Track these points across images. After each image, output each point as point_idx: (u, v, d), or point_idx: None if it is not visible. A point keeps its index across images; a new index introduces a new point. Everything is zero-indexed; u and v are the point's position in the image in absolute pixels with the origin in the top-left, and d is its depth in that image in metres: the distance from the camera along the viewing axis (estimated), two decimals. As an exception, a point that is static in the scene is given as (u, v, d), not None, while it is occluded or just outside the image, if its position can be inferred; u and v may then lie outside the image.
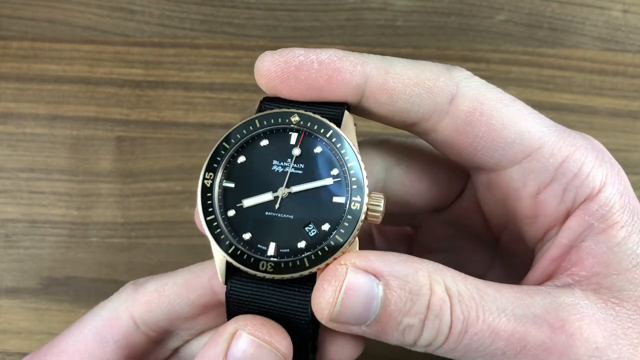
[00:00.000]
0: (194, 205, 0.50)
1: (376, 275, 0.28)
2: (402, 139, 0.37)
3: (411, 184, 0.36)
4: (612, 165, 0.31)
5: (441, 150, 0.33)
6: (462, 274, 0.29)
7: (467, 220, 0.38)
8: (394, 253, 0.29)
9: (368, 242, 0.43)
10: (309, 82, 0.31)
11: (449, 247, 0.41)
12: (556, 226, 0.32)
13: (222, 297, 0.32)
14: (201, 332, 0.35)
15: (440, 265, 0.29)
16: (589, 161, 0.30)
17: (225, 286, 0.31)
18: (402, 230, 0.44)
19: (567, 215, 0.31)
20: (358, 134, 0.32)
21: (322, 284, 0.29)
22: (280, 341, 0.30)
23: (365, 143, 0.36)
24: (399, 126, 0.33)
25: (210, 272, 0.33)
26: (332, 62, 0.30)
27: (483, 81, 0.32)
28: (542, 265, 0.32)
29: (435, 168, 0.37)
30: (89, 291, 0.51)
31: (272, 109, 0.32)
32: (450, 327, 0.28)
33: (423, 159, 0.36)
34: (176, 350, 0.36)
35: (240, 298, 0.31)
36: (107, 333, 0.33)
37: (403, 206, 0.37)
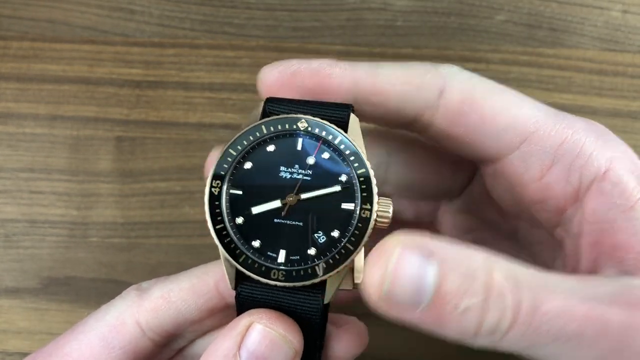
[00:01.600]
0: (194, 205, 0.51)
1: (428, 254, 0.26)
2: (402, 130, 0.37)
3: (415, 167, 0.37)
4: (618, 144, 0.31)
5: (443, 146, 0.34)
6: (520, 262, 0.27)
7: (482, 208, 0.38)
8: (446, 238, 0.28)
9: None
10: (303, 88, 0.32)
11: (471, 240, 0.40)
12: (567, 208, 0.32)
13: (229, 300, 0.32)
14: (207, 332, 0.35)
15: (497, 255, 0.27)
16: (590, 141, 0.30)
17: (233, 290, 0.31)
18: (423, 224, 0.43)
19: (576, 196, 0.31)
20: (363, 132, 0.32)
21: (371, 258, 0.26)
22: (294, 335, 0.30)
23: (368, 130, 0.37)
24: (398, 126, 0.33)
25: (217, 276, 0.33)
26: (322, 69, 0.32)
27: (473, 74, 0.32)
28: (584, 256, 0.31)
29: (435, 154, 0.37)
30: (88, 291, 0.51)
31: (276, 110, 0.32)
32: (519, 308, 0.25)
33: (423, 145, 0.37)
34: (181, 350, 0.36)
35: (251, 299, 0.31)
36: (114, 339, 0.33)
37: (408, 189, 0.37)
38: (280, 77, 0.32)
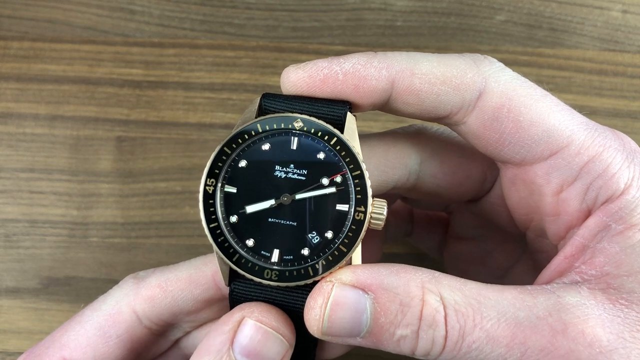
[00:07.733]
0: (194, 205, 0.51)
1: (364, 290, 0.28)
2: (438, 131, 0.37)
3: (443, 177, 0.36)
4: None
5: (470, 142, 0.33)
6: (462, 280, 0.29)
7: (494, 214, 0.38)
8: (387, 265, 0.29)
9: (404, 224, 0.44)
10: (336, 93, 0.31)
11: (480, 235, 0.41)
12: (577, 225, 0.31)
13: (226, 291, 0.32)
14: (203, 324, 0.36)
15: (437, 274, 0.29)
16: (617, 162, 0.30)
17: (227, 286, 0.31)
18: (438, 215, 0.45)
19: (588, 215, 0.31)
20: (361, 135, 0.32)
21: (310, 301, 0.29)
22: (286, 329, 0.30)
23: (401, 133, 0.36)
24: (428, 120, 0.33)
25: (214, 268, 0.33)
26: (356, 70, 0.30)
27: (515, 75, 0.31)
28: (555, 262, 0.31)
29: (468, 163, 0.37)
30: (89, 291, 0.51)
31: (273, 107, 0.31)
32: (446, 337, 0.28)
33: (457, 152, 0.36)
34: (177, 341, 0.36)
35: (244, 297, 0.31)
36: (110, 327, 0.33)
37: (435, 197, 0.37)
38: (310, 82, 0.30)
